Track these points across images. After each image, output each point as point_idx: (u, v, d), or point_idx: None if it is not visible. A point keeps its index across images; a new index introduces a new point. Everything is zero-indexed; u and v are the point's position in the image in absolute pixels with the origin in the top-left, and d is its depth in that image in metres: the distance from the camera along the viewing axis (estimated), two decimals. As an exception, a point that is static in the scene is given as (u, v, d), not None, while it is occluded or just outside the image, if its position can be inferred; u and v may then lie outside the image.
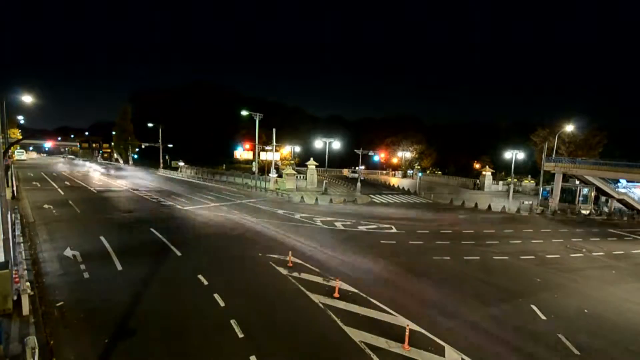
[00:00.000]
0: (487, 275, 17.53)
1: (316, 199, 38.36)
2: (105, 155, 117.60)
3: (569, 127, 47.12)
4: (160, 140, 73.87)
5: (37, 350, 8.40)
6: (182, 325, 11.19)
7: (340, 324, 11.64)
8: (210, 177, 59.74)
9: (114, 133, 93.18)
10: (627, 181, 41.24)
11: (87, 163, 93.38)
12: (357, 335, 10.97)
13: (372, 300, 13.52)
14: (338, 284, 14.22)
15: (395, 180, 73.25)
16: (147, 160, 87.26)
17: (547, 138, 47.68)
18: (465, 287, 15.73)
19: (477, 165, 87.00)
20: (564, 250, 23.40)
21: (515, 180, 58.46)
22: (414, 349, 10.39)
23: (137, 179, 55.27)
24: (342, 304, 12.98)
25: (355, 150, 50.40)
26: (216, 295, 13.18)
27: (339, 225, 26.82)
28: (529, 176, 66.56)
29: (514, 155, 50.26)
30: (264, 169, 54.93)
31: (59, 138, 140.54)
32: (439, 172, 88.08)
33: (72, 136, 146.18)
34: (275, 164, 50.43)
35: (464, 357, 10.31)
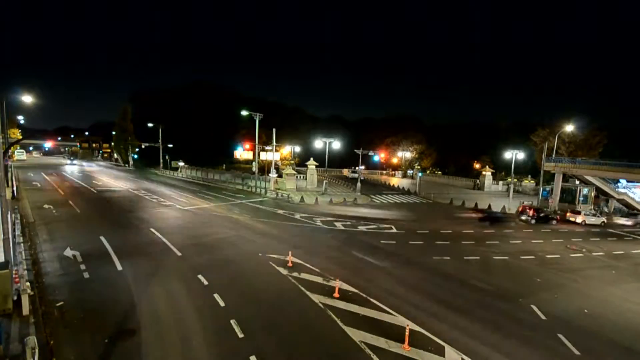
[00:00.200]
0: (487, 275, 17.54)
1: (316, 199, 38.36)
2: (105, 155, 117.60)
3: (569, 127, 47.13)
4: (160, 141, 73.84)
5: (37, 350, 8.41)
6: (182, 325, 11.19)
7: (340, 324, 11.64)
8: (210, 176, 59.75)
9: (114, 133, 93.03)
10: (627, 181, 41.26)
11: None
12: (357, 335, 10.97)
13: (372, 300, 13.52)
14: (338, 284, 14.22)
15: (395, 180, 73.25)
16: (147, 161, 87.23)
17: (547, 138, 47.68)
18: (465, 287, 15.73)
19: (477, 165, 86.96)
20: (564, 250, 23.41)
21: (515, 180, 58.49)
22: (414, 349, 10.40)
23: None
24: (342, 304, 12.98)
25: (355, 150, 50.39)
26: (216, 295, 13.18)
27: (339, 225, 26.81)
28: (529, 176, 66.59)
29: (514, 155, 50.31)
30: (264, 169, 54.93)
31: (59, 138, 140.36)
32: (439, 172, 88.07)
33: (72, 136, 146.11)
34: (275, 164, 50.41)
35: (464, 357, 10.31)
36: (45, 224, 22.99)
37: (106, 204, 31.55)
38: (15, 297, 11.31)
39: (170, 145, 74.57)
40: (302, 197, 38.83)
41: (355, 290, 14.28)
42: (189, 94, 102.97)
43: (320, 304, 12.94)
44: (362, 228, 26.31)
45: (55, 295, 12.71)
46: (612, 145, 56.77)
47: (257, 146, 46.70)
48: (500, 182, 65.53)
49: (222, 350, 10.01)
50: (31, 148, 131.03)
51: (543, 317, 13.23)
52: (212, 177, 59.36)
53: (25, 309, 11.00)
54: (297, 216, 29.54)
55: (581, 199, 41.50)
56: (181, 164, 71.46)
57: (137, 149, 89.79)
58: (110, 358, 9.50)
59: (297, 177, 51.77)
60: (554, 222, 33.24)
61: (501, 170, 75.58)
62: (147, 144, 79.00)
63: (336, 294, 13.66)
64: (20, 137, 70.50)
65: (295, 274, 15.76)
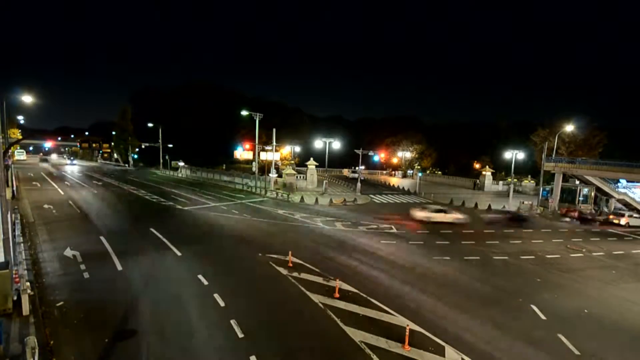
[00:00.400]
0: (487, 275, 17.53)
1: (316, 199, 38.35)
2: (105, 155, 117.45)
3: (569, 127, 47.10)
4: (160, 140, 73.85)
5: (37, 350, 8.40)
6: (182, 325, 11.19)
7: (340, 324, 11.63)
8: (210, 176, 59.74)
9: (114, 133, 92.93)
10: (627, 181, 41.23)
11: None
12: (357, 335, 10.97)
13: (372, 300, 13.52)
14: (338, 284, 14.22)
15: (396, 180, 73.23)
16: (147, 160, 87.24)
17: (547, 138, 47.65)
18: (465, 287, 15.73)
19: (477, 165, 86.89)
20: (564, 250, 23.40)
21: (515, 180, 58.43)
22: (414, 349, 10.39)
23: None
24: (342, 304, 12.98)
25: (355, 150, 50.38)
26: (216, 295, 13.18)
27: (338, 225, 26.81)
28: (529, 176, 66.52)
29: (514, 155, 50.22)
30: (264, 169, 54.91)
31: (59, 138, 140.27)
32: (439, 172, 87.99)
33: (72, 136, 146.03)
34: (275, 164, 50.39)
35: (464, 357, 10.30)
36: (45, 224, 22.99)
37: (107, 204, 31.46)
38: (15, 297, 11.31)
39: (170, 145, 74.55)
40: (302, 197, 38.82)
41: (355, 290, 14.28)
42: (189, 94, 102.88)
43: (320, 304, 12.94)
44: (362, 228, 26.30)
45: (55, 295, 12.71)
46: (612, 145, 56.72)
47: (257, 146, 46.67)
48: (500, 182, 65.49)
49: (222, 350, 10.01)
50: (31, 148, 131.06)
51: (543, 317, 13.23)
52: (212, 177, 59.36)
53: (25, 309, 11.00)
54: (297, 216, 29.54)
55: (581, 199, 41.46)
56: (181, 163, 71.45)
57: (137, 149, 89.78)
58: (110, 358, 9.50)
59: (297, 177, 51.74)
60: (597, 223, 34.44)
61: (501, 170, 75.53)
62: (147, 144, 78.98)
63: (336, 294, 13.66)
64: (20, 137, 70.42)
65: (295, 274, 15.75)
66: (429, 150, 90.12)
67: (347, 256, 19.19)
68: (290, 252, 17.87)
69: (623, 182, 41.81)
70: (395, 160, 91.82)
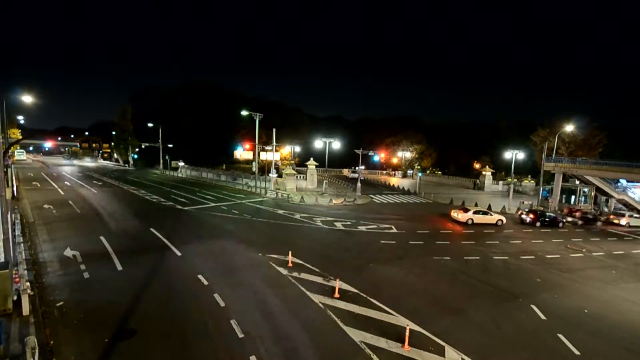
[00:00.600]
0: (487, 275, 17.54)
1: (316, 199, 38.35)
2: (105, 155, 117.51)
3: (569, 127, 47.12)
4: (160, 140, 73.86)
5: (37, 350, 8.40)
6: (183, 325, 11.19)
7: (340, 324, 11.64)
8: (211, 176, 59.73)
9: (114, 133, 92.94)
10: (627, 181, 41.24)
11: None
12: (357, 335, 10.97)
13: (372, 300, 13.52)
14: (338, 284, 14.22)
15: (395, 180, 73.24)
16: (147, 160, 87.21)
17: (547, 138, 47.67)
18: (465, 287, 15.73)
19: (477, 165, 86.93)
20: (564, 250, 23.41)
21: (515, 180, 58.44)
22: (414, 349, 10.40)
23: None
24: (342, 304, 12.98)
25: (355, 150, 50.36)
26: (216, 295, 13.18)
27: (339, 225, 26.81)
28: (529, 176, 66.54)
29: (514, 155, 50.23)
30: (264, 169, 54.91)
31: (59, 138, 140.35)
32: (439, 172, 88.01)
33: (72, 136, 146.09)
34: (275, 164, 50.39)
35: (464, 357, 10.31)
36: (45, 224, 22.99)
37: (107, 204, 31.49)
38: (15, 297, 11.31)
39: (170, 145, 74.56)
40: (302, 197, 38.82)
41: (355, 290, 14.28)
42: (189, 94, 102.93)
43: (320, 304, 12.94)
44: (362, 228, 26.30)
45: (55, 295, 12.71)
46: (612, 145, 56.73)
47: (257, 146, 46.64)
48: (500, 182, 65.51)
49: (222, 350, 10.01)
50: (31, 148, 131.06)
51: (543, 317, 13.23)
52: (212, 177, 59.35)
53: (25, 309, 11.00)
54: (297, 216, 29.54)
55: (581, 198, 41.49)
56: (181, 163, 71.42)
57: (137, 149, 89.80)
58: (110, 358, 9.50)
59: (297, 177, 51.74)
60: (599, 223, 35.02)
61: (501, 170, 75.57)
62: (147, 144, 78.98)
63: (336, 294, 13.66)
64: (20, 137, 70.43)
65: (295, 274, 15.75)
66: (429, 150, 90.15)
67: (347, 256, 19.19)
68: (290, 252, 17.87)
69: (623, 182, 41.83)
70: (395, 160, 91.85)
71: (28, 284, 11.54)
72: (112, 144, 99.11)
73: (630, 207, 41.81)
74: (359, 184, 47.61)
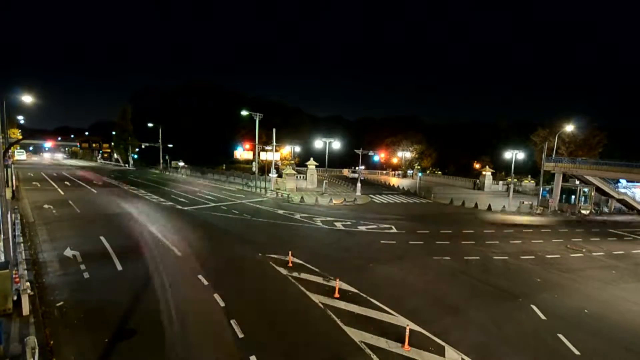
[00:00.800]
0: (487, 275, 17.53)
1: (316, 199, 38.35)
2: (105, 155, 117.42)
3: (569, 127, 47.09)
4: (160, 141, 73.87)
5: (37, 350, 8.40)
6: (182, 325, 11.18)
7: (340, 324, 11.63)
8: (211, 176, 59.75)
9: (114, 133, 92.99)
10: (627, 181, 41.23)
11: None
12: (357, 335, 10.96)
13: (372, 300, 13.52)
14: (338, 284, 14.22)
15: (395, 180, 73.24)
16: (147, 160, 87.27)
17: (547, 138, 47.64)
18: (465, 287, 15.72)
19: (477, 165, 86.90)
20: (564, 250, 23.40)
21: (515, 180, 58.42)
22: (414, 349, 10.39)
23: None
24: (342, 304, 12.98)
25: (355, 150, 50.35)
26: (216, 295, 13.18)
27: (339, 225, 26.81)
28: (529, 176, 66.52)
29: (514, 155, 50.23)
30: (264, 169, 54.91)
31: (59, 138, 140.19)
32: (439, 172, 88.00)
33: (72, 136, 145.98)
34: (275, 164, 50.38)
35: (464, 357, 10.30)
36: (45, 223, 23.00)
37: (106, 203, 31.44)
38: (15, 297, 11.31)
39: (170, 145, 74.60)
40: (302, 197, 38.82)
41: (355, 290, 14.28)
42: (189, 94, 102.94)
43: (320, 304, 12.94)
44: (362, 228, 26.30)
45: (55, 295, 12.71)
46: (612, 145, 56.74)
47: (257, 146, 46.66)
48: (500, 182, 65.47)
49: (222, 350, 10.00)
50: (31, 148, 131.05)
51: (543, 317, 13.22)
52: (213, 177, 59.37)
53: (25, 309, 11.00)
54: (297, 216, 29.54)
55: (581, 198, 41.45)
56: (181, 164, 71.51)
57: (137, 149, 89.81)
58: (110, 358, 9.50)
59: (297, 177, 51.74)
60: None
61: (501, 170, 75.55)
62: (147, 144, 79.02)
63: (336, 294, 13.66)
64: (20, 137, 70.44)
65: (295, 274, 15.75)
66: (429, 150, 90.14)
67: (347, 256, 19.19)
68: (290, 252, 17.87)
69: (623, 182, 41.80)
70: (395, 160, 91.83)
71: (28, 284, 11.55)
72: (112, 144, 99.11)
73: (630, 207, 41.81)
74: (359, 184, 47.60)
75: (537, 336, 11.82)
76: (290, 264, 16.95)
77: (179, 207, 31.44)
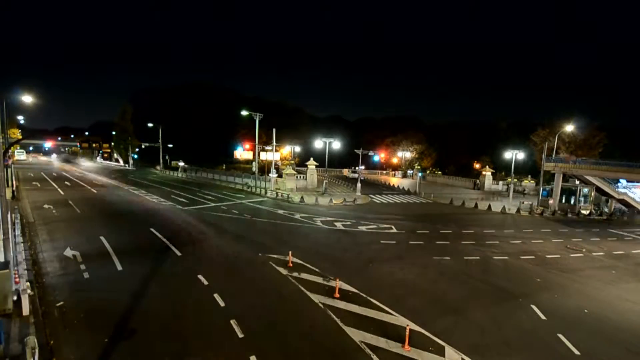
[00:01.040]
0: (487, 275, 17.52)
1: (316, 199, 38.34)
2: (105, 155, 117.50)
3: (569, 127, 47.10)
4: (160, 140, 73.87)
5: (37, 350, 8.40)
6: (182, 325, 11.19)
7: (340, 324, 11.63)
8: (211, 176, 59.75)
9: (114, 133, 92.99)
10: (627, 181, 41.19)
11: None
12: (357, 335, 10.96)
13: (372, 300, 13.52)
14: (338, 284, 14.21)
15: (395, 180, 73.22)
16: (147, 160, 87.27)
17: (547, 138, 47.65)
18: (465, 287, 15.72)
19: (477, 165, 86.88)
20: (564, 250, 23.39)
21: (515, 180, 58.44)
22: (414, 349, 10.39)
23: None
24: (342, 304, 12.97)
25: (355, 150, 50.35)
26: (216, 295, 13.18)
27: (339, 225, 26.80)
28: (529, 176, 66.52)
29: (514, 155, 50.26)
30: (264, 169, 54.91)
31: (59, 138, 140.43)
32: (439, 172, 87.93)
33: (72, 136, 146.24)
34: (275, 164, 50.38)
35: (464, 357, 10.30)
36: (45, 223, 22.99)
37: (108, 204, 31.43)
38: (15, 297, 11.30)
39: (170, 145, 74.63)
40: (302, 197, 38.81)
41: (355, 290, 14.27)
42: (189, 94, 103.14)
43: (320, 304, 12.93)
44: (362, 228, 26.30)
45: (55, 295, 12.71)
46: (612, 145, 56.78)
47: (257, 146, 46.67)
48: (500, 182, 65.44)
49: (222, 350, 10.00)
50: (31, 148, 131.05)
51: (543, 317, 13.22)
52: (212, 177, 59.36)
53: (25, 309, 10.99)
54: (297, 216, 29.53)
55: (581, 199, 41.44)
56: (181, 163, 71.48)
57: (137, 149, 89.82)
58: (110, 358, 9.49)
59: (297, 177, 51.73)
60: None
61: (501, 170, 75.57)
62: (147, 144, 79.03)
63: (336, 294, 13.65)
64: (20, 137, 70.45)
65: (295, 274, 15.75)
66: (429, 150, 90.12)
67: (347, 256, 19.18)
68: (290, 252, 17.87)
69: (623, 182, 41.77)
70: (395, 160, 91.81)
71: (28, 284, 11.56)
72: (112, 144, 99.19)
73: (630, 207, 41.77)
74: (358, 184, 47.59)
75: (537, 336, 11.82)
76: (290, 264, 16.95)
77: (179, 207, 31.44)
